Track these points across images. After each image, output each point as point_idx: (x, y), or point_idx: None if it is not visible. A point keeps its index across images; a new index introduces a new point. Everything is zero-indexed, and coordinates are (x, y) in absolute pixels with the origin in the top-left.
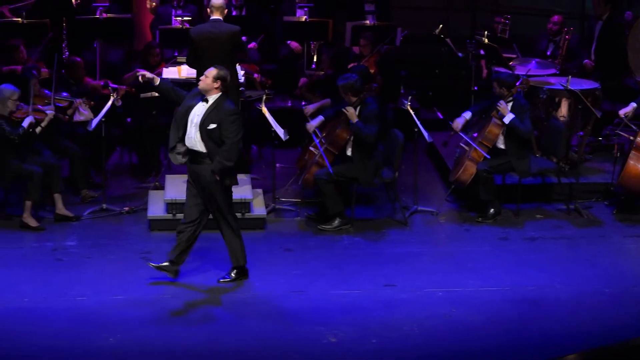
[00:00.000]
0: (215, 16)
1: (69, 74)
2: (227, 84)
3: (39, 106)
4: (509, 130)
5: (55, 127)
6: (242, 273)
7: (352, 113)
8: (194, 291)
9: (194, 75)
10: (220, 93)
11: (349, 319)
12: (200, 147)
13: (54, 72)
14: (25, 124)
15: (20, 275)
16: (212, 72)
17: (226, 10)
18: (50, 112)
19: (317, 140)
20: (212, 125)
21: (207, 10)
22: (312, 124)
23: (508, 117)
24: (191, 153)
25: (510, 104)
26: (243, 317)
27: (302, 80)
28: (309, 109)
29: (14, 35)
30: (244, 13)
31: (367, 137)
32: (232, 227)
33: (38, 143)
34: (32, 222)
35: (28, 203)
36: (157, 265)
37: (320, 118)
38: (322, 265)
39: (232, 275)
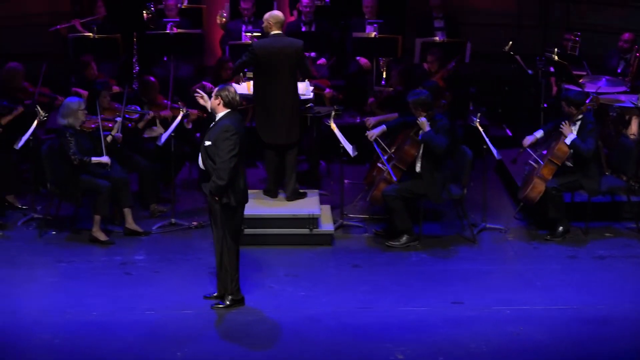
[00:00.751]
0: (276, 31)
1: (143, 94)
2: (229, 102)
3: (108, 117)
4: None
5: (125, 142)
6: (237, 302)
7: (424, 122)
8: (261, 307)
9: None
10: (227, 111)
11: (416, 336)
12: (202, 165)
13: (125, 88)
14: (95, 159)
15: (89, 288)
16: (215, 90)
17: (285, 26)
18: (118, 119)
19: (380, 150)
20: (207, 143)
21: (263, 26)
22: (373, 132)
23: (570, 138)
24: (200, 171)
25: (578, 123)
26: (310, 332)
27: (371, 99)
28: (371, 120)
29: (86, 50)
30: (313, 29)
31: (438, 148)
32: (229, 249)
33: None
34: (101, 236)
35: (97, 217)
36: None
37: (382, 127)
38: (390, 282)
39: (227, 302)
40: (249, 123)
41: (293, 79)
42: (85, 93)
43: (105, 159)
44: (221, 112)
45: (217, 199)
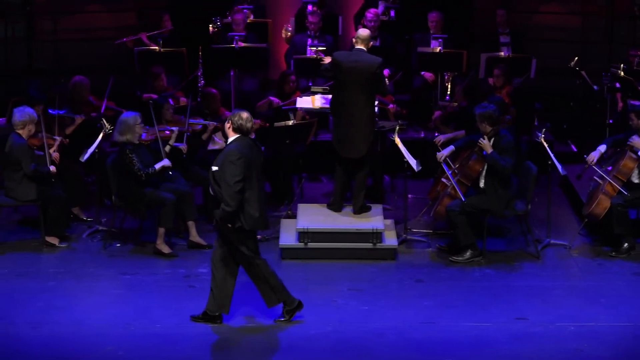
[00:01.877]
0: (360, 47)
1: (205, 105)
2: (238, 127)
3: (167, 127)
4: None
5: (189, 155)
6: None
7: (486, 144)
8: (324, 321)
9: (328, 105)
10: (236, 136)
11: (480, 352)
12: (211, 190)
13: (189, 100)
14: (158, 166)
15: (153, 301)
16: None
17: (371, 43)
18: (175, 129)
19: (449, 171)
20: (214, 168)
21: (348, 42)
22: (443, 153)
23: None
24: (210, 197)
25: None
26: (374, 347)
27: (437, 112)
28: (440, 138)
29: (151, 64)
30: (377, 43)
31: (504, 170)
32: (249, 272)
33: (173, 171)
34: (165, 249)
35: (161, 230)
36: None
37: (451, 148)
38: (453, 297)
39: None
40: (314, 137)
41: (369, 94)
42: (155, 97)
43: (166, 162)
44: (231, 137)
45: (229, 225)
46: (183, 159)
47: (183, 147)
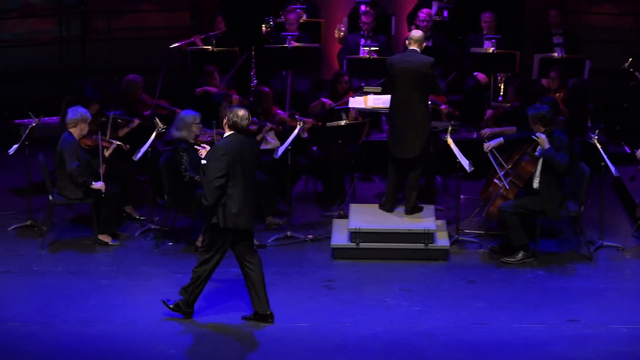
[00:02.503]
0: (413, 47)
1: (257, 104)
2: (233, 124)
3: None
4: None
5: None
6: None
7: (543, 139)
8: (375, 321)
9: (381, 105)
10: (231, 132)
11: (531, 353)
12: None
13: (244, 101)
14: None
15: (205, 300)
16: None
17: (424, 44)
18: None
19: (495, 162)
20: (203, 161)
21: (402, 42)
22: (490, 144)
23: None
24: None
25: None
26: (425, 348)
27: (489, 112)
28: (487, 131)
29: (205, 63)
30: (430, 44)
31: (559, 166)
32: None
33: None
34: None
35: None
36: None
37: (499, 140)
38: (505, 298)
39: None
40: (366, 137)
41: (422, 94)
42: (213, 90)
43: None
44: (227, 133)
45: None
46: None
47: None
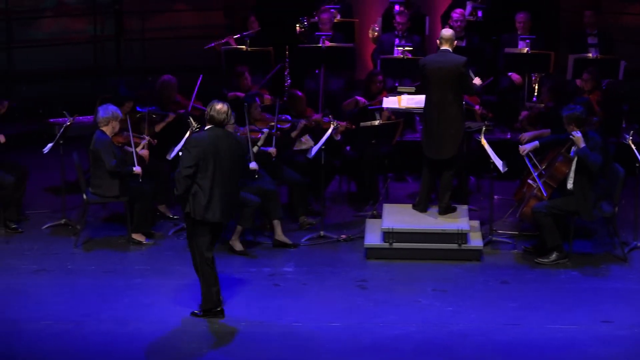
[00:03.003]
0: (445, 47)
1: (291, 107)
2: (210, 118)
3: (256, 127)
4: None
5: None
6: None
7: (579, 137)
8: (408, 321)
9: (414, 105)
10: (210, 126)
11: (564, 354)
12: None
13: (277, 99)
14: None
15: (237, 299)
16: None
17: (455, 42)
18: (264, 131)
19: (531, 165)
20: (181, 153)
21: (436, 42)
22: (526, 147)
23: None
24: None
25: None
26: (458, 348)
27: (523, 113)
28: (525, 136)
29: (238, 63)
30: (463, 44)
31: (593, 165)
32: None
33: (259, 170)
34: (237, 246)
35: (239, 228)
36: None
37: (535, 143)
38: (538, 299)
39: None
40: (399, 137)
41: (455, 94)
42: (242, 95)
43: (253, 165)
44: (206, 127)
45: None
46: (269, 161)
47: (272, 150)
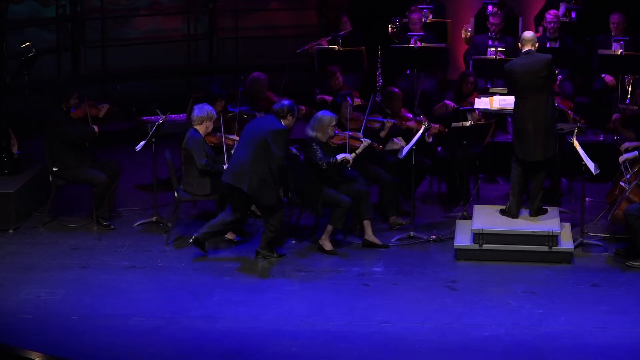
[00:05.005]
0: (527, 48)
1: (386, 105)
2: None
3: (354, 136)
4: None
5: (367, 154)
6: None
7: None
8: (496, 323)
9: (506, 106)
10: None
11: None
12: None
13: (371, 98)
14: (340, 157)
15: (326, 298)
16: None
17: (537, 44)
18: (366, 141)
19: (623, 167)
20: (340, 156)
21: (518, 45)
22: (625, 157)
23: None
24: None
25: None
26: (547, 351)
27: (615, 115)
28: (627, 144)
29: (330, 62)
30: (557, 45)
31: None
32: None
33: (354, 171)
34: (327, 246)
35: (329, 228)
36: None
37: (634, 153)
38: (630, 303)
39: None
40: (491, 138)
41: (546, 94)
42: (329, 99)
43: (348, 155)
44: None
45: None
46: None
47: (348, 157)
